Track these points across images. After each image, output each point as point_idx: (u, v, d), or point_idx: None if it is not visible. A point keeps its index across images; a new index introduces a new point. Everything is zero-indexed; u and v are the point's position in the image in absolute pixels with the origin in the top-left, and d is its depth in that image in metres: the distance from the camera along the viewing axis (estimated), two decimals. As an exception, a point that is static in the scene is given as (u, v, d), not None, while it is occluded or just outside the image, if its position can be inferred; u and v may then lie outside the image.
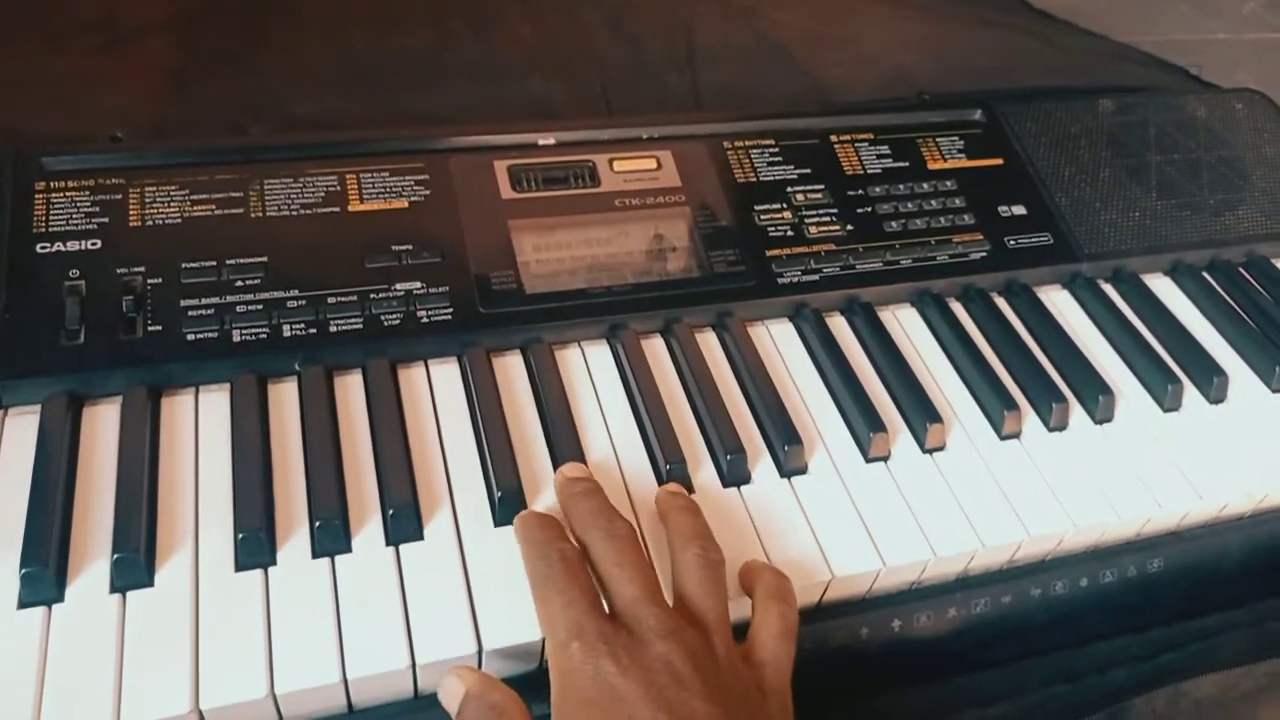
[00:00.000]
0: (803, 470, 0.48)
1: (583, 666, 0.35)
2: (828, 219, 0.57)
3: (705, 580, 0.39)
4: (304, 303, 0.48)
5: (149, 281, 0.47)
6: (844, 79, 0.70)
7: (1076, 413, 0.53)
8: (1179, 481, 0.50)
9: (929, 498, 0.47)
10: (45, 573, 0.38)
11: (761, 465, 0.48)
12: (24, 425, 0.43)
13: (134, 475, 0.42)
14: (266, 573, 0.40)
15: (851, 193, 0.59)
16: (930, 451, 0.50)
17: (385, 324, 0.48)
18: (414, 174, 0.54)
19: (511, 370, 0.50)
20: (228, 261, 0.48)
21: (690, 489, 0.46)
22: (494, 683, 0.37)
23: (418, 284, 0.50)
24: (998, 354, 0.55)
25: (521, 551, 0.41)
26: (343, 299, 0.48)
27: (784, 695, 0.38)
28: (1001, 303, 0.59)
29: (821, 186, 0.59)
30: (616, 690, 0.35)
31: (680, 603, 0.39)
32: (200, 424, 0.45)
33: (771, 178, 0.58)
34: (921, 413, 0.50)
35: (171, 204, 0.50)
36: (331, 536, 0.41)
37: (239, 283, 0.48)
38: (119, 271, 0.47)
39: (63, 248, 0.48)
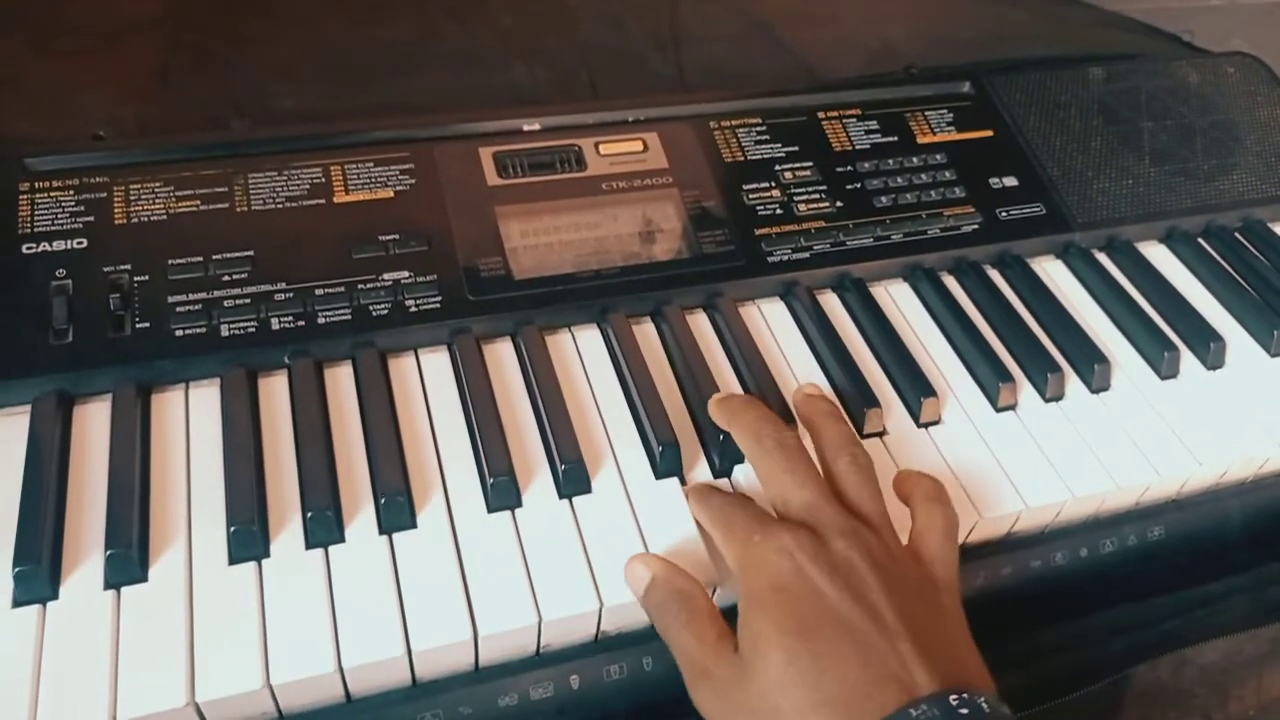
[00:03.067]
0: (797, 448, 0.47)
1: (767, 557, 0.37)
2: (817, 196, 0.57)
3: (863, 484, 0.40)
4: (291, 295, 0.48)
5: (136, 279, 0.47)
6: (830, 55, 0.70)
7: (1073, 382, 0.52)
8: (1178, 449, 0.50)
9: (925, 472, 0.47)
10: (39, 571, 0.38)
11: (755, 444, 0.47)
12: (14, 425, 0.43)
13: (125, 472, 0.42)
14: (260, 565, 0.40)
15: (840, 169, 0.58)
16: (925, 426, 0.49)
17: (374, 314, 0.48)
18: (399, 163, 0.53)
19: (502, 357, 0.50)
20: (214, 256, 0.48)
21: (682, 477, 0.45)
22: (678, 569, 0.39)
23: (405, 273, 0.49)
24: (992, 326, 0.55)
25: (700, 509, 0.42)
26: (330, 290, 0.48)
27: (954, 590, 0.39)
28: (995, 275, 0.58)
29: (810, 164, 0.58)
30: (805, 575, 0.36)
31: (843, 505, 0.40)
32: (191, 419, 0.45)
33: (759, 156, 0.58)
34: (915, 387, 0.50)
35: (156, 201, 0.50)
36: (324, 527, 0.41)
37: (226, 277, 0.48)
38: (106, 270, 0.47)
39: (49, 248, 0.47)
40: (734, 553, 0.38)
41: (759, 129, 0.59)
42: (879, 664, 0.34)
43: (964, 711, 0.32)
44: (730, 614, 0.38)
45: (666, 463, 0.45)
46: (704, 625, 0.37)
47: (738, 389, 0.50)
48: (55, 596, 0.38)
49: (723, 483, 0.45)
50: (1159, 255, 0.62)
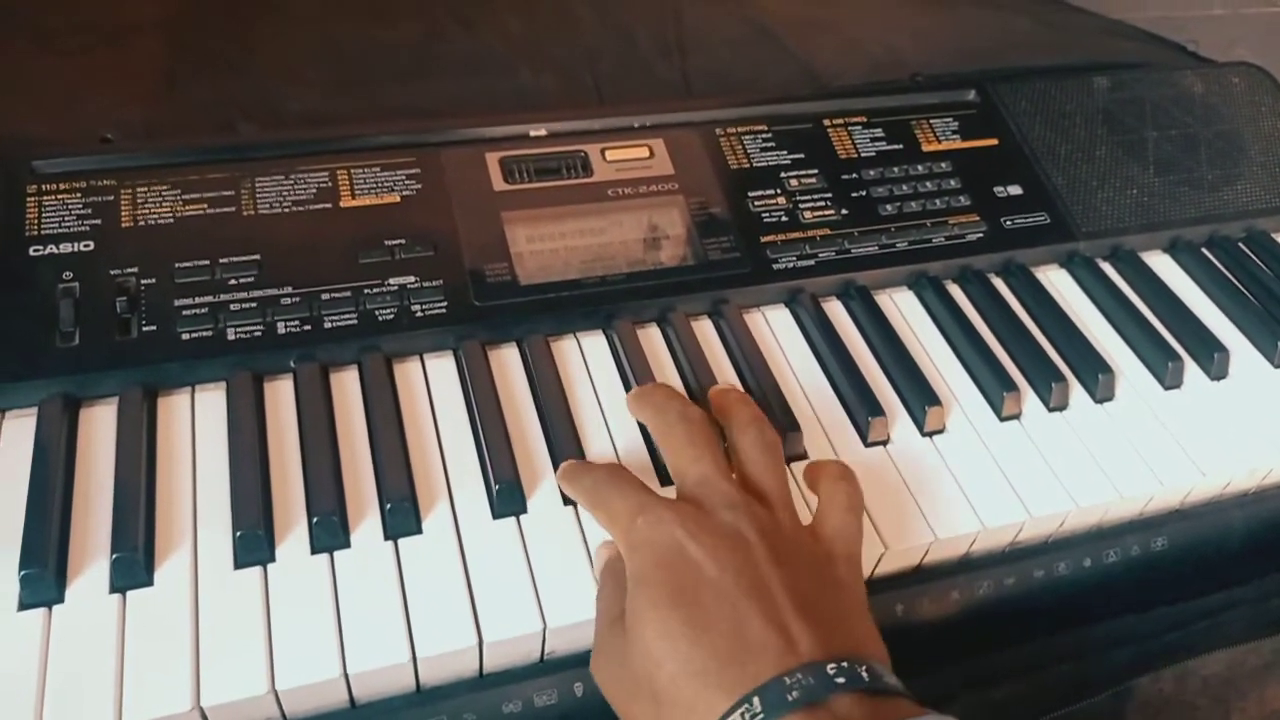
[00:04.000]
0: (802, 456, 0.47)
1: (651, 535, 0.36)
2: (822, 203, 0.57)
3: (765, 460, 0.41)
4: (298, 299, 0.48)
5: (142, 282, 0.47)
6: (835, 62, 0.70)
7: (1077, 392, 0.53)
8: (1181, 459, 0.50)
9: (929, 481, 0.47)
10: (45, 574, 0.38)
11: (760, 452, 0.47)
12: (21, 428, 0.43)
13: (131, 475, 0.42)
14: (265, 570, 0.40)
15: (845, 177, 0.59)
16: (930, 434, 0.49)
17: (380, 319, 0.48)
18: (405, 168, 0.53)
19: (507, 362, 0.50)
20: (221, 260, 0.48)
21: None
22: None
23: (411, 278, 0.49)
24: (996, 335, 0.55)
25: (566, 483, 0.42)
26: (336, 295, 0.48)
27: (854, 561, 0.39)
28: (999, 283, 0.58)
29: (815, 171, 0.58)
30: (685, 553, 0.36)
31: (744, 482, 0.40)
32: (196, 423, 0.45)
33: (764, 163, 0.58)
34: (920, 396, 0.50)
35: (163, 204, 0.50)
36: (330, 532, 0.41)
37: (232, 281, 0.48)
38: (112, 272, 0.47)
39: (55, 250, 0.47)
40: (620, 539, 0.38)
41: (764, 136, 0.59)
42: (757, 634, 0.33)
43: (840, 680, 0.32)
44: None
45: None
46: (614, 600, 0.38)
47: (742, 396, 0.50)
48: (61, 600, 0.38)
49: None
50: (1163, 265, 0.62)
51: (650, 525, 0.37)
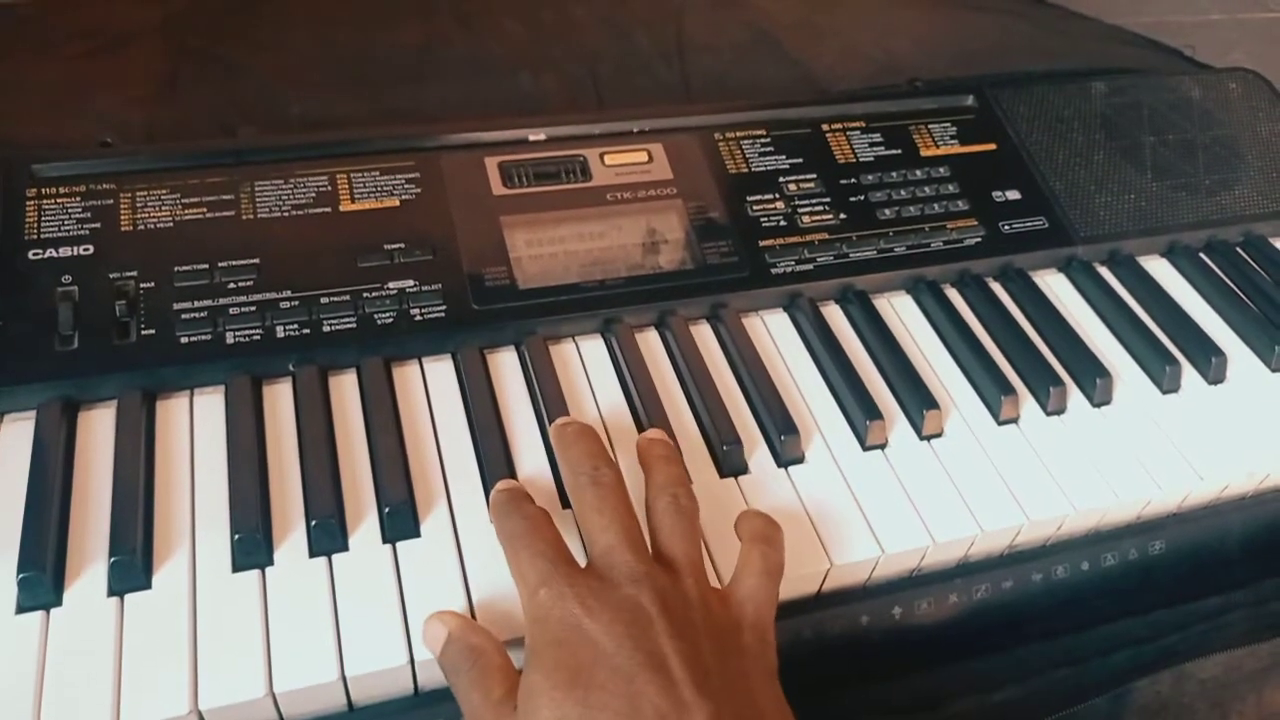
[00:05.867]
0: (800, 460, 0.48)
1: (551, 610, 0.36)
2: (820, 208, 0.57)
3: (677, 526, 0.40)
4: (297, 303, 0.48)
5: (141, 285, 0.47)
6: (834, 67, 0.70)
7: (1074, 396, 0.53)
8: (1179, 463, 0.50)
9: (928, 484, 0.47)
10: (43, 577, 0.38)
11: (758, 455, 0.47)
12: (19, 431, 0.43)
13: (130, 479, 0.42)
14: (264, 573, 0.40)
15: (844, 181, 0.59)
16: (928, 438, 0.49)
17: (378, 323, 0.48)
18: (405, 172, 0.54)
19: (506, 366, 0.50)
20: (220, 264, 0.48)
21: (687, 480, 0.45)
22: (474, 626, 0.38)
23: (410, 282, 0.49)
24: (994, 339, 0.55)
25: (493, 518, 0.41)
26: (335, 299, 0.48)
27: (762, 629, 0.38)
28: (997, 288, 0.58)
29: (814, 176, 0.59)
30: (583, 630, 0.35)
31: (654, 548, 0.39)
32: (195, 426, 0.45)
33: (763, 168, 0.58)
34: (918, 399, 0.50)
35: (162, 208, 0.50)
36: (328, 535, 0.41)
37: (231, 285, 0.48)
38: (111, 276, 0.47)
39: (55, 254, 0.48)
40: (523, 603, 0.37)
41: (763, 140, 0.60)
42: (652, 711, 0.33)
43: None
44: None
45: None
46: (492, 683, 0.36)
47: (741, 400, 0.50)
48: (59, 603, 0.38)
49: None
50: (1160, 269, 0.62)
51: (552, 599, 0.36)
